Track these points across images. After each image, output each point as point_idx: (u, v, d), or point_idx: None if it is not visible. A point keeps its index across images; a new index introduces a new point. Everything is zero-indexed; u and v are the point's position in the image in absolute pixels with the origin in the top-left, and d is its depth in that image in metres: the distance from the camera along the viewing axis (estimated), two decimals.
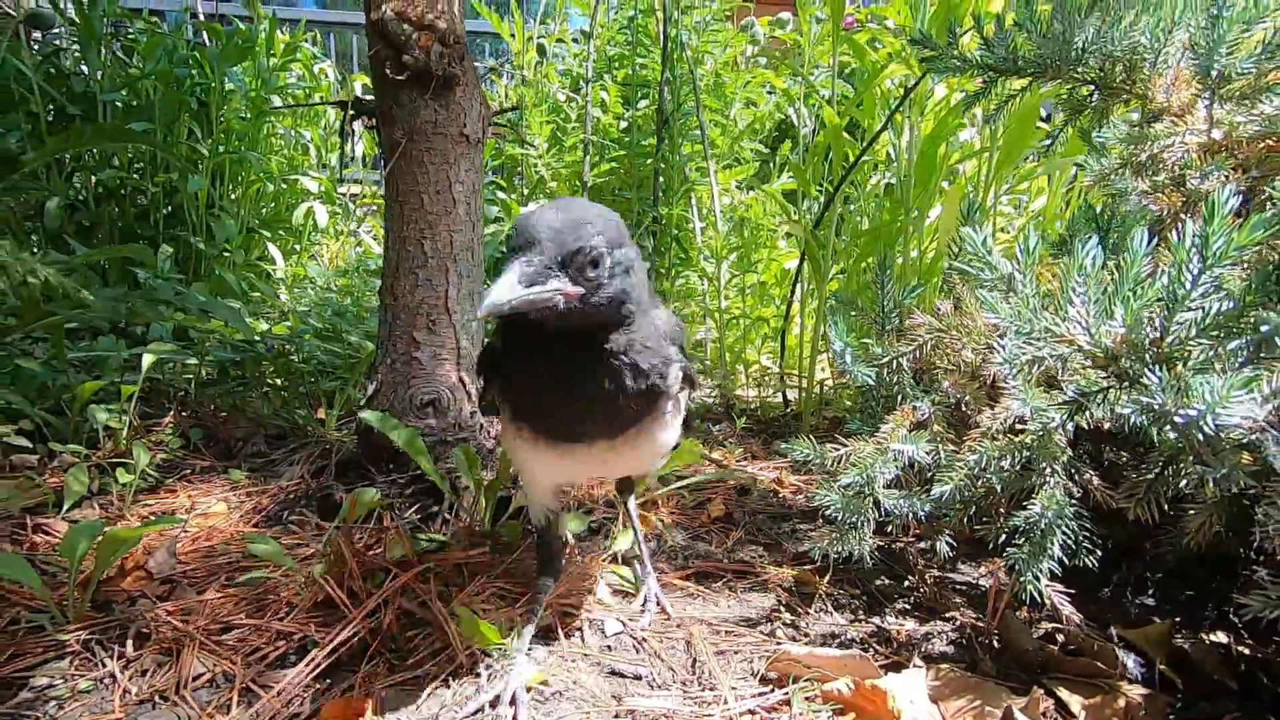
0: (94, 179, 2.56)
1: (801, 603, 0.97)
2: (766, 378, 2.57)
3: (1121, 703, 0.68)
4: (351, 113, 1.42)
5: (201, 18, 4.15)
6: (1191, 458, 0.65)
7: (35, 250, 2.32)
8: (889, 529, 0.99)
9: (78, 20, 2.53)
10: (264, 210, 3.21)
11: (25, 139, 2.45)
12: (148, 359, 1.60)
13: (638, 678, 0.79)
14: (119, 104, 2.59)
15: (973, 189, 2.07)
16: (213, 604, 0.84)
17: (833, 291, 2.09)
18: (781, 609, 0.95)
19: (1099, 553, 0.87)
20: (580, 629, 0.88)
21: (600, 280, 0.70)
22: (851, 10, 2.85)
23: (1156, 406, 0.62)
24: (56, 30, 2.42)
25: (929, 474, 0.94)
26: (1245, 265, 0.66)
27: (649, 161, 3.09)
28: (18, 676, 0.71)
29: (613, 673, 0.80)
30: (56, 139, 1.72)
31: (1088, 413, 0.75)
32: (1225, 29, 0.85)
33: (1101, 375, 0.72)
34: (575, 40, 3.56)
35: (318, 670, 0.74)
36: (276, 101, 3.07)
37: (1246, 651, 0.84)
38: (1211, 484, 0.63)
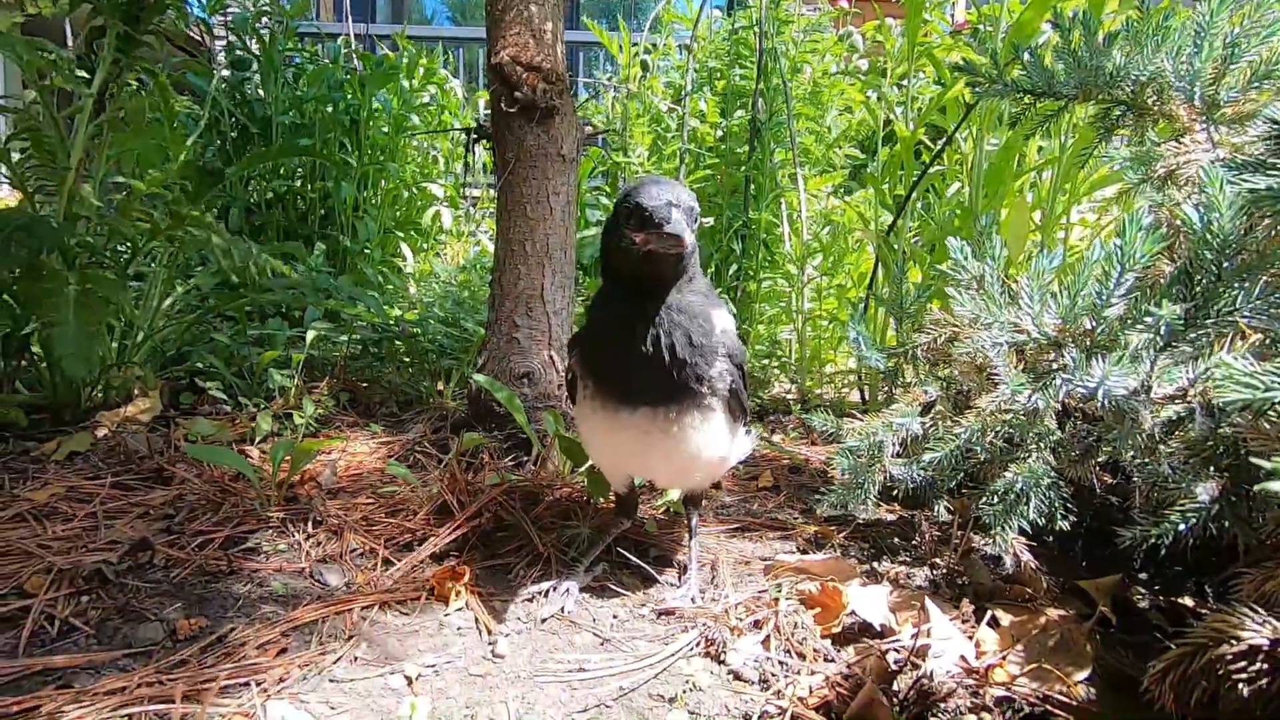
0: (267, 187, 3.07)
1: (815, 549, 1.16)
2: (839, 375, 2.70)
3: (1042, 620, 0.83)
4: (474, 136, 1.73)
5: (353, 37, 4.75)
6: (1105, 422, 0.80)
7: None
8: (896, 494, 1.16)
9: (260, 54, 3.05)
10: (398, 213, 3.67)
11: (217, 154, 3.00)
12: (311, 335, 1.99)
13: (666, 583, 1.02)
14: (288, 123, 3.09)
15: (1049, 195, 2.12)
16: (362, 506, 1.15)
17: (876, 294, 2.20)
18: (795, 552, 1.15)
19: (1072, 518, 1.01)
20: (628, 550, 1.12)
21: (693, 233, 0.84)
22: (970, 14, 2.89)
23: (1073, 380, 0.78)
24: (249, 72, 2.93)
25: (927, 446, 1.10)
26: (1156, 275, 0.80)
27: (742, 169, 3.28)
28: (242, 535, 1.05)
29: (647, 579, 1.03)
30: (252, 155, 2.17)
31: (1048, 390, 0.90)
32: (1200, 64, 0.96)
33: (1051, 359, 0.88)
34: (681, 49, 3.80)
35: (433, 552, 1.03)
36: (415, 119, 3.51)
37: (1206, 613, 0.96)
38: (1119, 445, 0.78)
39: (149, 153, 2.11)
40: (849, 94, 3.20)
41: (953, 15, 3.01)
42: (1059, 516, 1.00)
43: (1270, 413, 0.56)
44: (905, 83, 2.49)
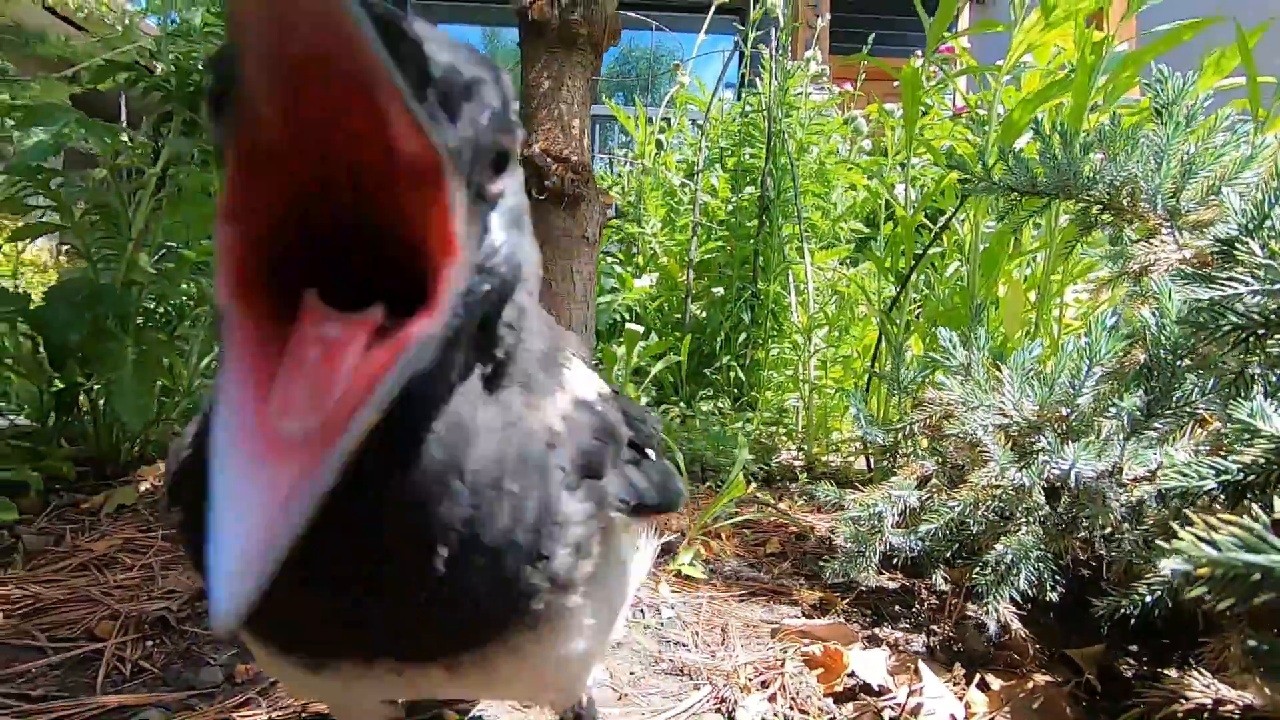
0: None
1: (820, 614, 1.22)
2: (845, 443, 2.78)
3: (1030, 685, 0.89)
4: None
5: None
6: (1076, 501, 0.88)
7: None
8: (896, 562, 1.23)
9: None
10: None
11: None
12: None
13: (679, 643, 1.09)
14: None
15: (1043, 276, 2.24)
16: None
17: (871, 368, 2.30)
18: (801, 617, 1.21)
19: (1061, 589, 1.07)
20: (643, 611, 1.19)
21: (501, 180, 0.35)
22: (970, 97, 3.02)
23: (1050, 462, 0.86)
24: None
25: (923, 517, 1.18)
26: (1129, 366, 0.90)
27: (751, 242, 3.43)
28: None
29: (661, 639, 1.10)
30: None
31: (1032, 469, 0.99)
32: (1160, 181, 1.08)
33: (1033, 441, 0.96)
34: (694, 125, 4.03)
35: None
36: None
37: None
38: (1091, 523, 0.86)
39: (198, 223, 2.27)
40: (850, 178, 3.38)
41: (953, 100, 3.19)
42: (1049, 588, 1.07)
43: (1202, 498, 0.64)
44: (907, 164, 2.63)
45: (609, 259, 3.87)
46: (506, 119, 0.33)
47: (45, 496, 1.46)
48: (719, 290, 3.49)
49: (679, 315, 3.54)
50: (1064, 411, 0.92)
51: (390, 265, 0.29)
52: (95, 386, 1.70)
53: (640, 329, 2.65)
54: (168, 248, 2.36)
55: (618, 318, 3.43)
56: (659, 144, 4.10)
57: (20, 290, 1.94)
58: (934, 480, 1.22)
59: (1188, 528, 0.37)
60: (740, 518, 1.69)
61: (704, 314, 3.52)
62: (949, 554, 1.16)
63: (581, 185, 1.66)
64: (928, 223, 2.84)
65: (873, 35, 3.97)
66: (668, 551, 1.52)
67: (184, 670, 0.85)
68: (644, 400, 2.74)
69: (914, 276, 2.28)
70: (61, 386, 1.75)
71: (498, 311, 0.35)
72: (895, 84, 3.39)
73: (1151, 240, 1.24)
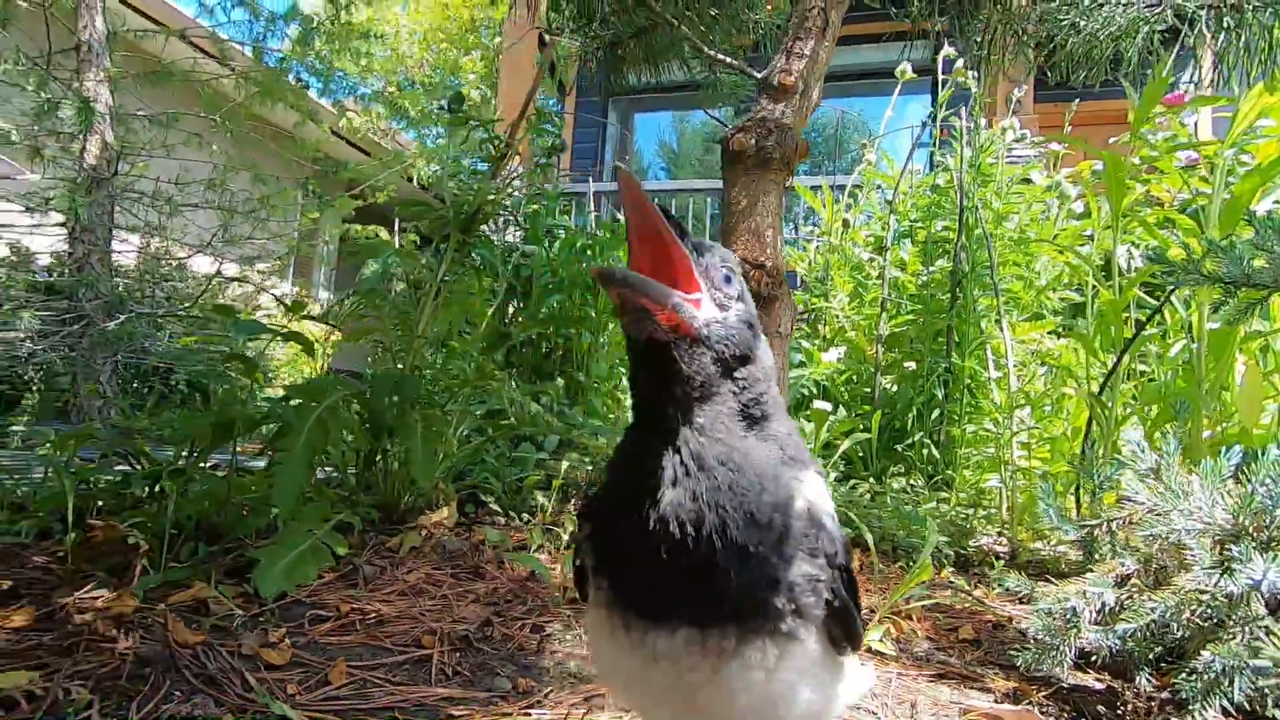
0: (524, 331, 3.79)
1: (1012, 704, 1.26)
2: (1054, 530, 2.63)
3: None
4: None
5: (592, 199, 5.75)
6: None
7: None
8: (1095, 660, 1.24)
9: (529, 228, 3.88)
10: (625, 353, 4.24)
11: (494, 306, 3.80)
12: (564, 464, 2.47)
13: (870, 712, 1.20)
14: (544, 283, 3.83)
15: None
16: None
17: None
18: (992, 705, 1.26)
19: None
20: None
21: (731, 300, 0.63)
22: (1209, 148, 2.81)
23: (1242, 573, 0.89)
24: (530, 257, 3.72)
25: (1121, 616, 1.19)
26: None
27: (943, 316, 3.40)
28: (542, 624, 1.42)
29: (853, 706, 1.22)
30: (528, 323, 2.81)
31: (1233, 577, 1.00)
32: None
33: (1233, 549, 0.98)
34: (880, 193, 4.10)
35: None
36: None
37: None
38: None
39: (459, 319, 2.83)
40: (1049, 251, 3.26)
41: (1194, 154, 2.95)
42: (1271, 703, 1.04)
43: None
44: (1114, 247, 2.53)
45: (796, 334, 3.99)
46: (728, 262, 0.66)
47: (362, 536, 1.92)
48: (910, 365, 3.48)
49: (868, 389, 3.57)
50: (1265, 521, 0.93)
51: None
52: (393, 450, 2.20)
53: (828, 407, 2.75)
54: (441, 341, 2.96)
55: (805, 392, 3.55)
56: (845, 224, 4.22)
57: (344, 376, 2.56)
58: (1135, 580, 1.23)
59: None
60: (932, 601, 1.74)
61: (894, 389, 3.51)
62: (1151, 655, 1.16)
63: (775, 287, 1.89)
64: (1147, 298, 2.68)
65: (1076, 101, 3.84)
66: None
67: (484, 678, 1.15)
68: (833, 475, 2.82)
69: (1125, 358, 2.18)
70: (369, 449, 2.28)
71: (735, 360, 0.62)
72: (1110, 139, 3.23)
73: None
